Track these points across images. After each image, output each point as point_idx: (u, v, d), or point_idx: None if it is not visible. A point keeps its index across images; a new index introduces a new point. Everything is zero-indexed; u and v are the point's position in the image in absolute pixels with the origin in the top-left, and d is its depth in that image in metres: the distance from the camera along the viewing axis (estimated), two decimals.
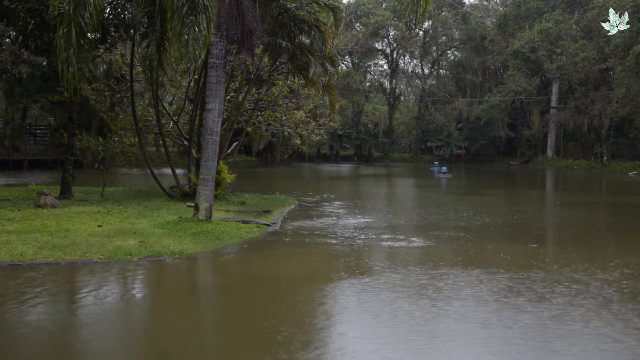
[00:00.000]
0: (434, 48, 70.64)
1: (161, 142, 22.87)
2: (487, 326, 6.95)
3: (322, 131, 28.65)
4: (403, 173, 46.78)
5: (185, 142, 21.31)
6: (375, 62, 73.27)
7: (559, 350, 6.30)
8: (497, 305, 7.83)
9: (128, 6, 17.90)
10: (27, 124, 43.84)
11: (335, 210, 18.23)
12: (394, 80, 70.75)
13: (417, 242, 12.68)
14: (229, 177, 18.95)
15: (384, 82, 72.83)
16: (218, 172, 16.42)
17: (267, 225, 14.11)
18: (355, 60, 68.37)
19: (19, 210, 14.58)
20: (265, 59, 19.63)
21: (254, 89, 22.39)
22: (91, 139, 19.58)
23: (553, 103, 58.77)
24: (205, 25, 11.99)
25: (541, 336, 6.65)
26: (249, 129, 23.08)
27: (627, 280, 9.20)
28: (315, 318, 7.26)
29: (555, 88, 58.26)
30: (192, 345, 6.24)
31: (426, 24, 67.19)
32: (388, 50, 70.30)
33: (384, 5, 67.92)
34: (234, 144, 23.13)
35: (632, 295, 8.39)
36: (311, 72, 16.06)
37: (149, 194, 19.80)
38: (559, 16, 55.02)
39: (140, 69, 22.57)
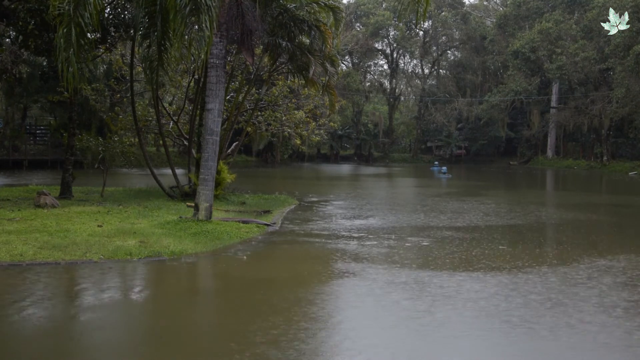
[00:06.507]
0: (434, 48, 70.70)
1: (161, 142, 22.87)
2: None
3: (322, 131, 28.67)
4: (403, 173, 46.80)
5: (185, 142, 21.32)
6: (375, 62, 73.43)
7: None
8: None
9: (128, 6, 17.90)
10: (27, 124, 43.91)
11: (335, 210, 18.24)
12: (394, 80, 70.84)
13: (417, 242, 12.69)
14: (229, 177, 18.96)
15: (384, 82, 72.93)
16: (218, 172, 16.42)
17: (267, 225, 14.11)
18: (355, 60, 68.42)
19: (19, 210, 14.58)
20: (265, 59, 19.64)
21: (254, 89, 22.38)
22: (91, 139, 19.58)
23: (553, 103, 58.81)
24: (207, 25, 11.98)
25: None
26: (249, 129, 23.08)
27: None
28: (316, 318, 7.26)
29: (555, 88, 58.31)
30: (191, 345, 6.24)
31: (426, 24, 67.38)
32: (388, 50, 70.36)
33: (384, 5, 67.99)
34: (234, 144, 23.13)
35: None
36: (311, 72, 16.06)
37: (149, 194, 19.80)
38: (559, 16, 55.04)
39: (140, 69, 22.61)
